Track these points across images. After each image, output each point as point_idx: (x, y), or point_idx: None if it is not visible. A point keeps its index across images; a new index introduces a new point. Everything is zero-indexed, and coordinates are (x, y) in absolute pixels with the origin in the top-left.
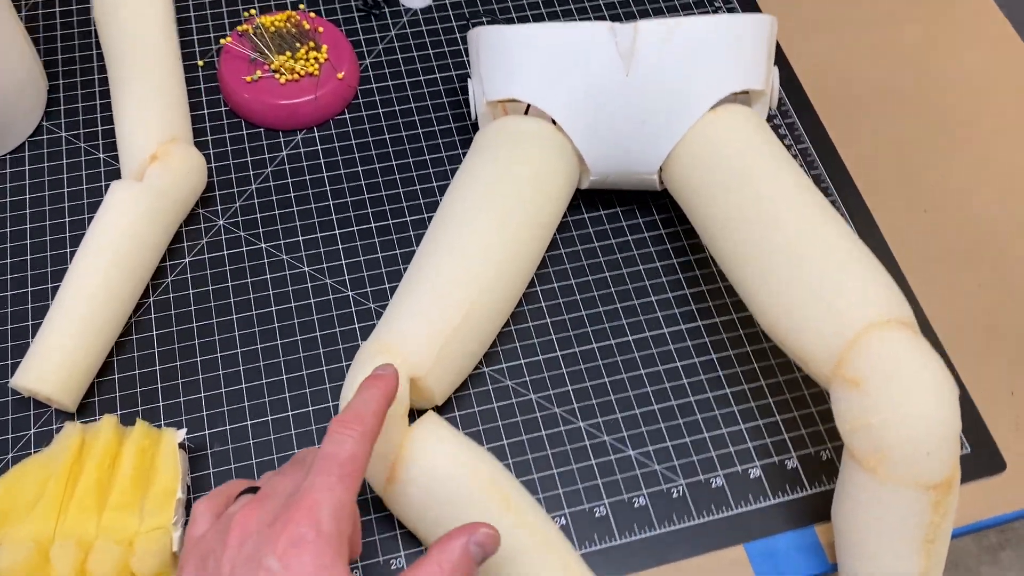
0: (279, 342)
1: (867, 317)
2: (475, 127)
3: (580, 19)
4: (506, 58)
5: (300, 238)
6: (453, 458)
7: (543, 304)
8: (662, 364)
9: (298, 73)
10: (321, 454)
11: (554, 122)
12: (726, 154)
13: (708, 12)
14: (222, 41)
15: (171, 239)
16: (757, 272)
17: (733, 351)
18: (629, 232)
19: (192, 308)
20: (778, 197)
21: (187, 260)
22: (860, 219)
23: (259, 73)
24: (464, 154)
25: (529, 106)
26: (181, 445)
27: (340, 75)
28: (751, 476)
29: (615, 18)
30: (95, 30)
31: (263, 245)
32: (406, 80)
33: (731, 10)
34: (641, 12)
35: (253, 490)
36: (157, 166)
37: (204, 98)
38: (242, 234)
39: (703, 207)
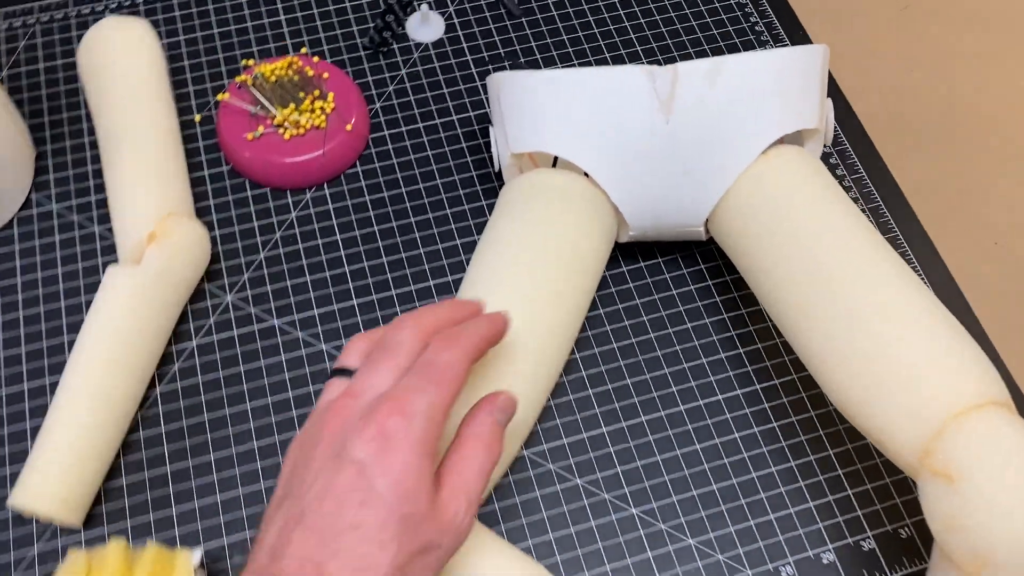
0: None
1: (957, 401)
2: (499, 176)
3: (603, 58)
4: (531, 107)
5: (315, 311)
6: None
7: (584, 373)
8: (719, 436)
9: (303, 127)
10: (421, 361)
11: (586, 174)
12: (781, 204)
13: (753, 48)
14: (219, 97)
15: (176, 321)
16: (823, 340)
17: (796, 417)
18: (673, 285)
19: (202, 398)
20: (844, 254)
21: (194, 343)
22: (922, 253)
23: (261, 129)
24: (488, 206)
25: (558, 156)
26: (199, 564)
27: (349, 126)
28: (824, 561)
29: (649, 56)
30: (83, 87)
31: (276, 322)
32: (420, 124)
33: (778, 43)
34: (679, 47)
35: (336, 372)
36: (156, 247)
37: (204, 156)
38: (252, 310)
39: (757, 263)
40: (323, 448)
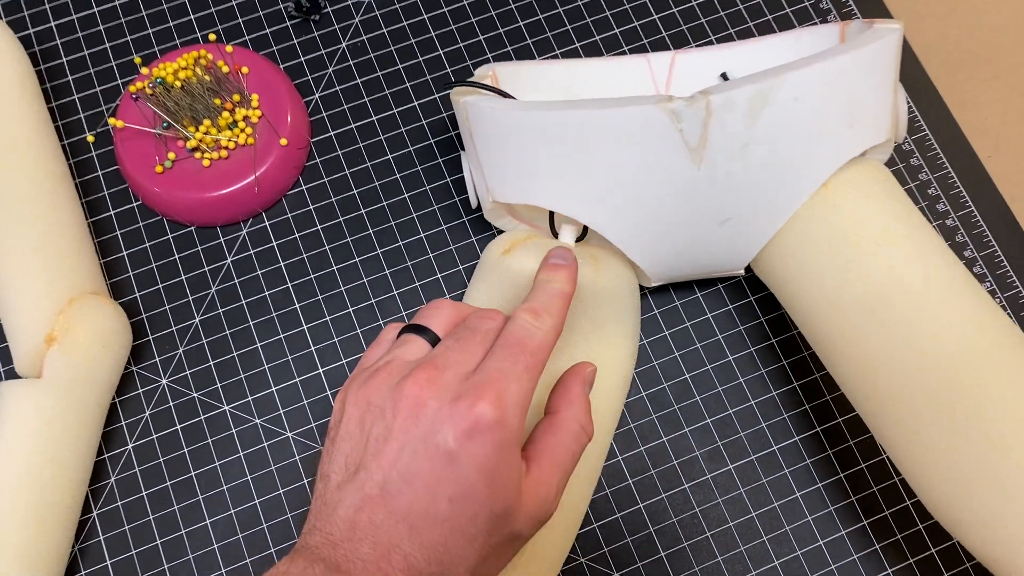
0: (273, 549)
1: None
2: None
3: (603, 18)
4: (515, 150)
5: (273, 388)
6: None
7: (622, 463)
8: (778, 499)
9: (226, 147)
10: (509, 337)
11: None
12: (843, 244)
13: (815, 23)
14: (110, 122)
15: (102, 427)
16: (902, 419)
17: (877, 486)
18: (719, 329)
19: (151, 517)
20: (925, 310)
21: (130, 447)
22: (1004, 231)
23: (172, 156)
24: (472, 223)
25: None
26: None
27: (283, 140)
28: None
29: (657, 33)
30: None
31: (226, 407)
32: (374, 117)
33: (846, 15)
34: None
35: (412, 328)
36: (58, 352)
37: (106, 191)
38: (195, 395)
39: (813, 314)
40: (404, 421)
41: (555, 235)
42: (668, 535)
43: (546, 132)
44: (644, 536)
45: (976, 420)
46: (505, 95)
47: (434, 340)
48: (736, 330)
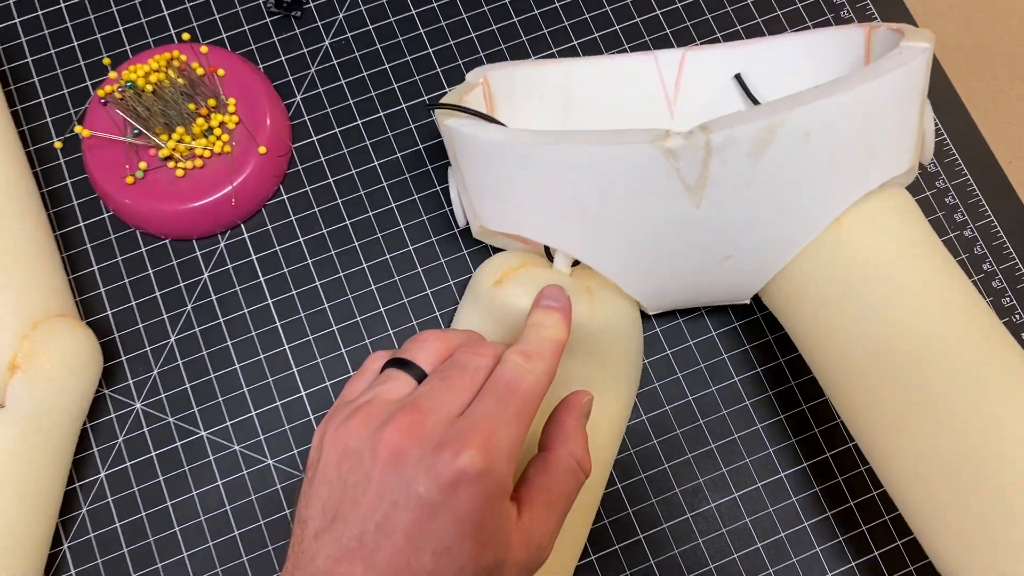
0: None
1: None
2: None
3: (603, 12)
4: (501, 180)
5: (253, 412)
6: None
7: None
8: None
9: (201, 156)
10: (499, 381)
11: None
12: (853, 284)
13: (825, 18)
14: (76, 130)
15: (72, 457)
16: (910, 472)
17: (889, 515)
18: (723, 348)
19: (125, 549)
20: (939, 363)
21: (103, 475)
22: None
23: (144, 165)
24: (465, 236)
25: None
26: None
27: (262, 149)
28: None
29: (661, 29)
30: None
31: (203, 433)
32: (360, 121)
33: (860, 10)
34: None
35: (397, 362)
36: (22, 379)
37: (75, 202)
38: (171, 420)
39: (820, 353)
40: (384, 470)
41: (550, 258)
42: (670, 568)
43: (533, 165)
44: (644, 568)
45: (988, 477)
46: (491, 120)
47: (420, 376)
48: (742, 349)
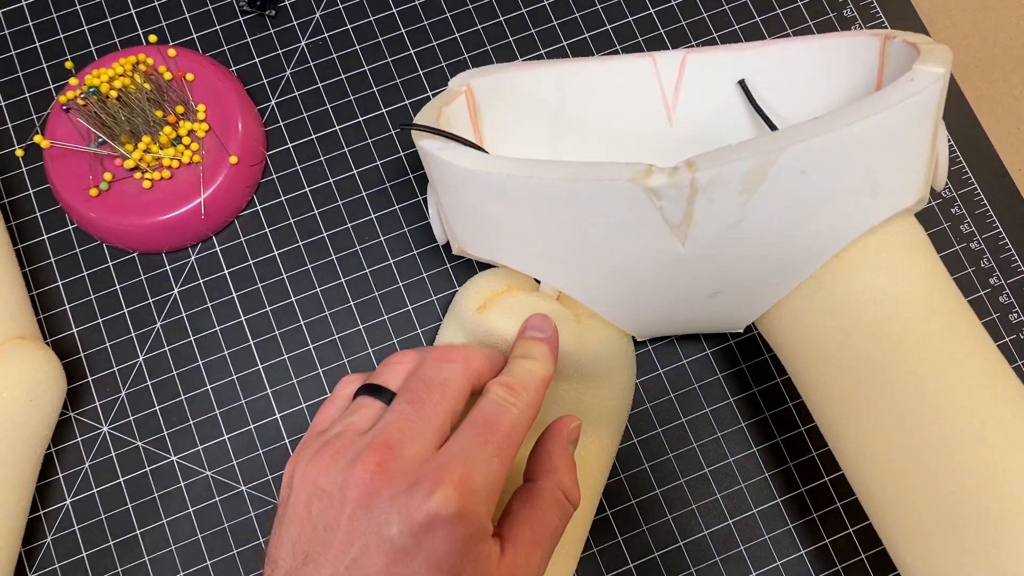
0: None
1: None
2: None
3: (594, 11)
4: (482, 209)
5: (225, 436)
6: None
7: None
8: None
9: (168, 166)
10: (479, 415)
11: None
12: (852, 323)
13: (828, 16)
14: (36, 139)
15: (35, 484)
16: (900, 518)
17: None
18: (718, 367)
19: None
20: (938, 414)
21: (68, 503)
22: None
23: (108, 176)
24: (443, 248)
25: None
26: None
27: (233, 159)
28: None
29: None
30: None
31: (174, 458)
32: (338, 127)
33: (864, 8)
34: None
35: (370, 388)
36: None
37: (38, 213)
38: (139, 444)
39: (815, 389)
40: (353, 512)
41: (536, 279)
42: None
43: (510, 196)
44: None
45: (989, 532)
46: (468, 144)
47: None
48: (738, 368)
